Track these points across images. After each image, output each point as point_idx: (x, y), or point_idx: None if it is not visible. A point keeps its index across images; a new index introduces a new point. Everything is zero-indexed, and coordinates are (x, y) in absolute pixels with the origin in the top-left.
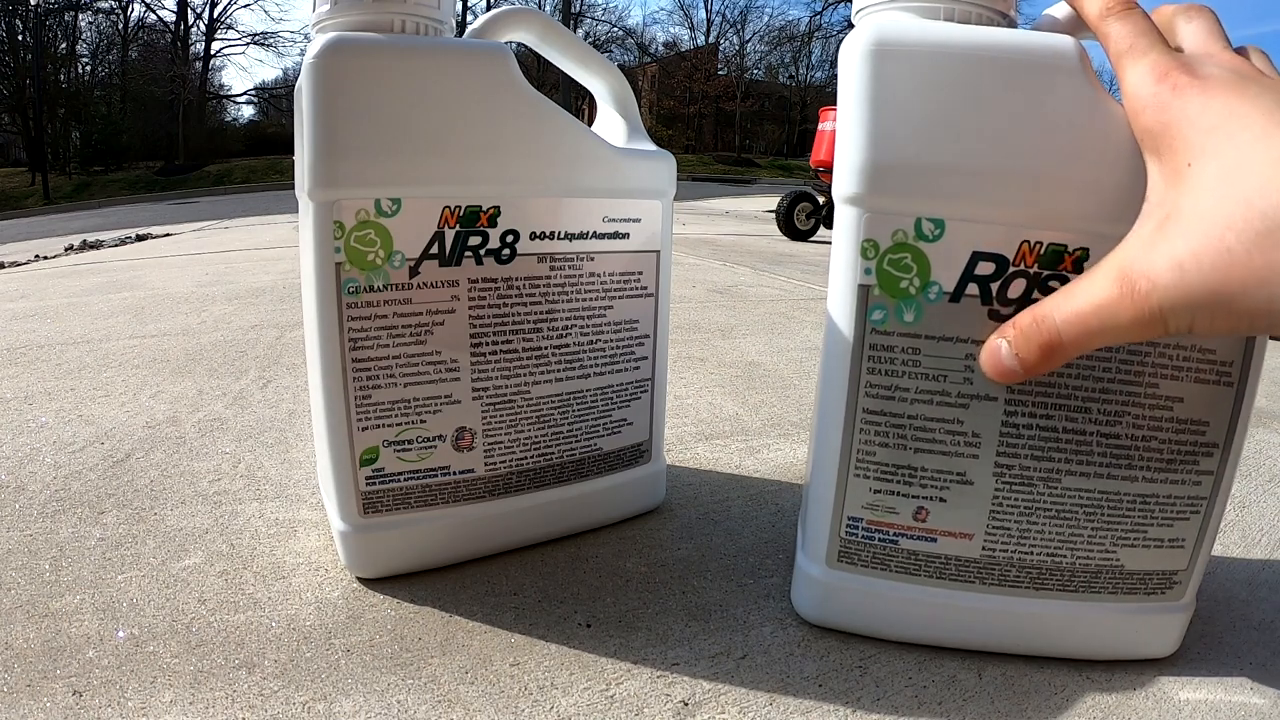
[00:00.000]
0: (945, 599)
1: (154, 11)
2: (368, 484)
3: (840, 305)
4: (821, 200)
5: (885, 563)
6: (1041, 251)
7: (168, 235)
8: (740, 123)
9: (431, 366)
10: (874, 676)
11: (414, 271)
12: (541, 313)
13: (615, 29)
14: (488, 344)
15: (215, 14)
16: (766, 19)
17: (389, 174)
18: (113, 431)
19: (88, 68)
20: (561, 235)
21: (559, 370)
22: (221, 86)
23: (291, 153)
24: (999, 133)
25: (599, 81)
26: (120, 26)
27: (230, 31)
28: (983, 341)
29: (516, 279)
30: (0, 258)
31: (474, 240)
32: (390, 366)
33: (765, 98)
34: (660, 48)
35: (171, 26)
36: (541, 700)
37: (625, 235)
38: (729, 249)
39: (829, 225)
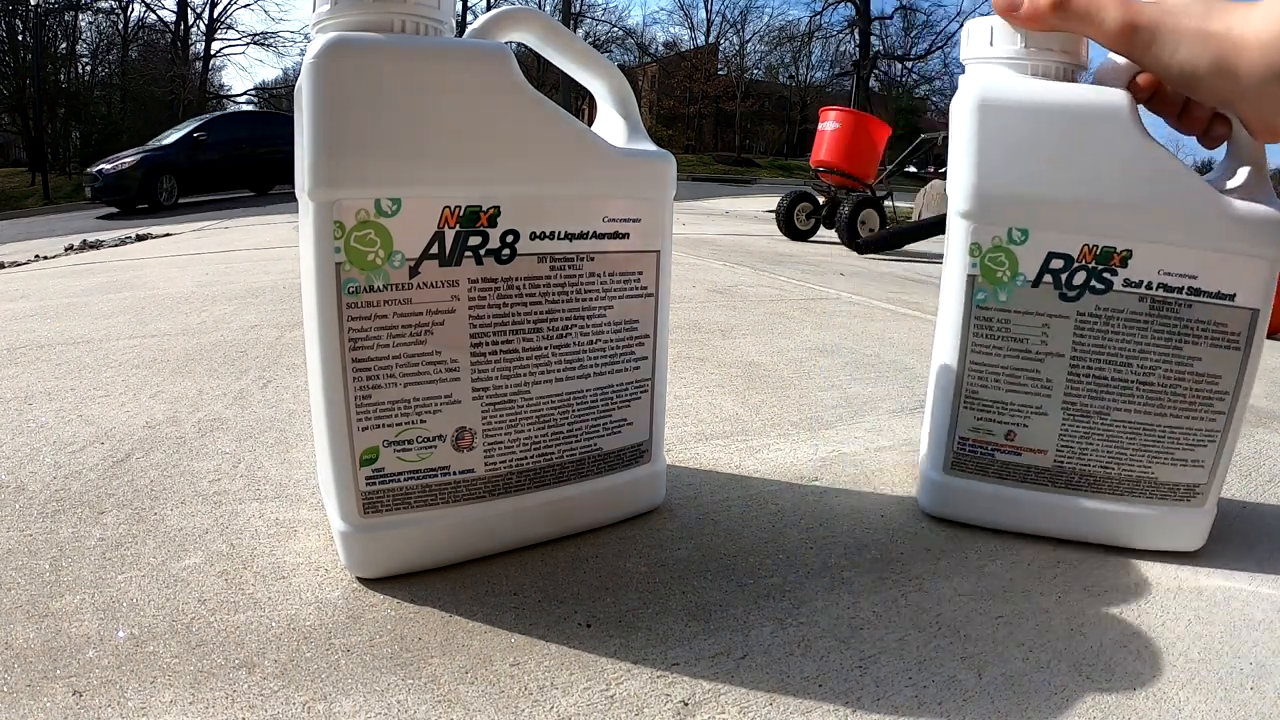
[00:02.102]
0: (1027, 497)
1: (154, 11)
2: (368, 484)
3: (953, 289)
4: (821, 200)
5: (985, 470)
6: (1098, 252)
7: (168, 235)
8: (740, 123)
9: (432, 366)
10: (874, 676)
11: (414, 271)
12: (541, 313)
13: (615, 29)
14: (488, 344)
15: (215, 14)
16: (766, 19)
17: (389, 174)
18: (113, 431)
19: (88, 68)
20: (561, 235)
21: (559, 370)
22: (221, 86)
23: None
24: (1069, 166)
25: (599, 81)
26: (120, 26)
27: (230, 31)
28: (1055, 316)
29: (516, 279)
30: (0, 258)
31: (474, 240)
32: (390, 366)
33: (765, 98)
34: (660, 48)
35: (171, 26)
36: (541, 700)
37: (625, 235)
38: (729, 249)
39: (829, 225)
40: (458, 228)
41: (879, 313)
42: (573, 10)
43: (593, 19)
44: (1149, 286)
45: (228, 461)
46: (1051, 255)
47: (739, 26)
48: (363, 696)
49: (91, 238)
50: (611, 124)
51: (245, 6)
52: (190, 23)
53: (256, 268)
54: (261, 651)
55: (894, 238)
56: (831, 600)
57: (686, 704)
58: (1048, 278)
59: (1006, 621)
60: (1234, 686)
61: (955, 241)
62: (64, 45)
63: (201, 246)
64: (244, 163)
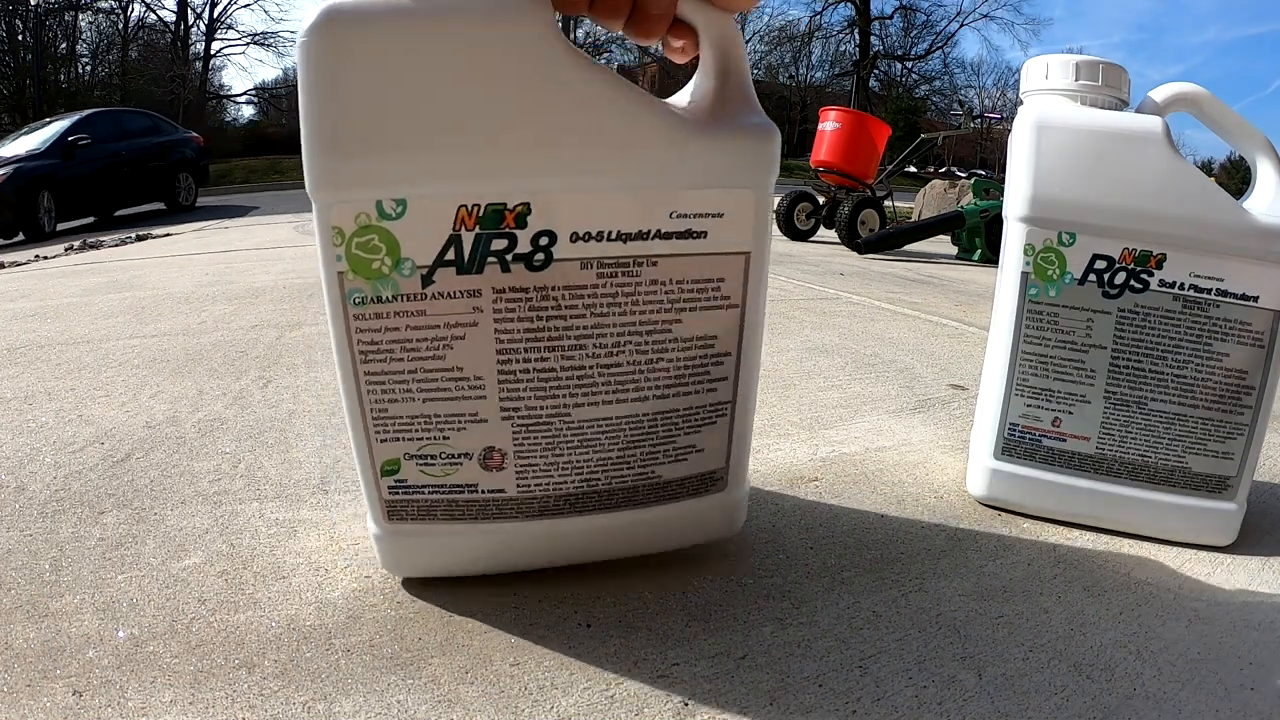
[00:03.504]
0: (1072, 482)
1: (154, 11)
2: (390, 493)
3: (1009, 285)
4: (821, 200)
5: (1033, 456)
6: (1136, 254)
7: (168, 235)
8: None
9: (453, 383)
10: (874, 676)
11: (427, 280)
12: (585, 327)
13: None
14: (518, 361)
15: (215, 14)
16: (766, 19)
17: (391, 170)
18: (113, 431)
19: (88, 68)
20: (613, 236)
21: (607, 392)
22: (221, 86)
23: (292, 152)
24: (1112, 180)
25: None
26: (120, 26)
27: (230, 31)
28: (1099, 311)
29: (553, 288)
30: (0, 258)
31: (498, 244)
32: (406, 381)
33: (765, 98)
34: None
35: (171, 26)
36: (541, 700)
37: (701, 234)
38: None
39: (829, 225)
40: (478, 230)
41: (879, 313)
42: None
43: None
44: (1181, 287)
45: (228, 461)
46: (1096, 257)
47: (739, 26)
48: (363, 696)
49: (91, 238)
50: (700, 88)
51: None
52: (190, 23)
53: (256, 268)
54: (261, 651)
55: (894, 238)
56: (831, 600)
57: (686, 704)
58: (1092, 277)
59: (1006, 621)
60: (1234, 686)
61: (1012, 243)
62: (64, 45)
63: (201, 246)
64: (140, 170)
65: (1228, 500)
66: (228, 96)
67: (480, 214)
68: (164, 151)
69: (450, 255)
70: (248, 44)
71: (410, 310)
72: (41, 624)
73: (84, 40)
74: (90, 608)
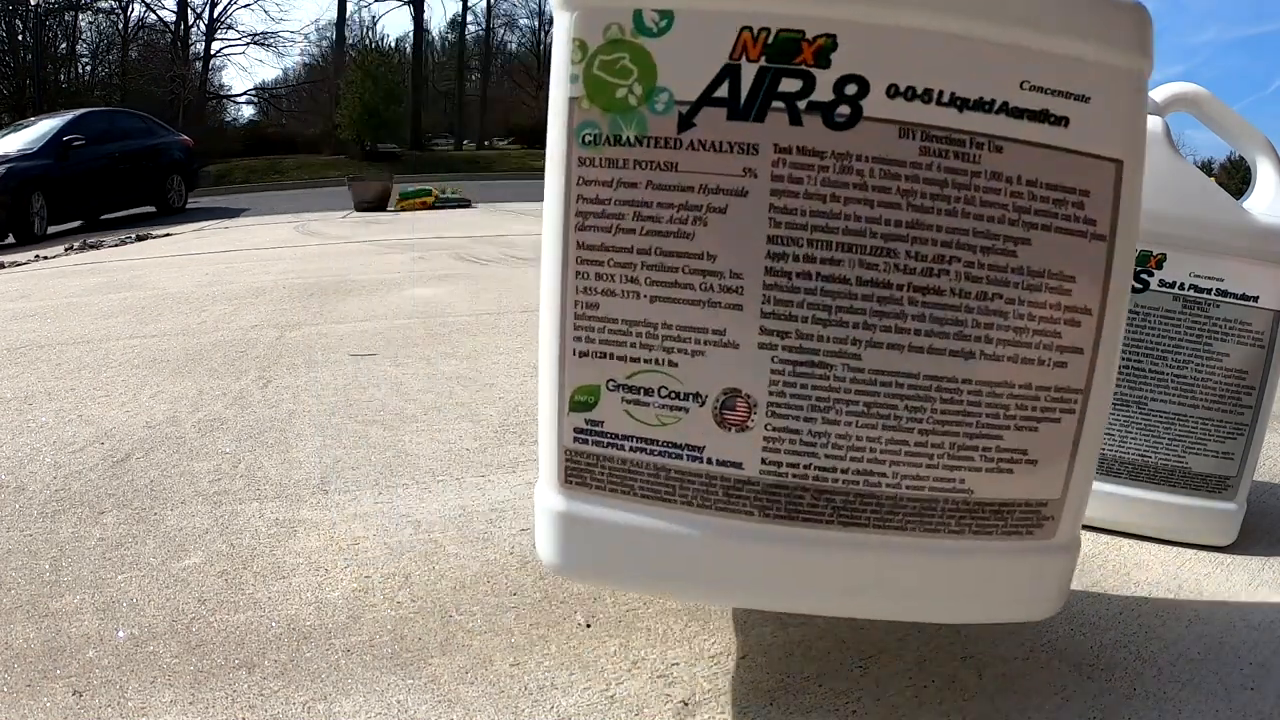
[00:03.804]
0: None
1: (154, 11)
2: (576, 438)
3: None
4: None
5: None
6: (1137, 254)
7: (168, 235)
8: None
9: (698, 277)
10: (874, 676)
11: (686, 122)
12: (899, 223)
13: None
14: (797, 258)
15: (215, 14)
16: None
17: None
18: (113, 431)
19: (88, 68)
20: (945, 99)
21: (918, 329)
22: (221, 86)
23: (291, 152)
24: None
25: None
26: (120, 26)
27: (230, 31)
28: None
29: (860, 158)
30: (0, 258)
31: (790, 84)
32: (633, 265)
33: None
34: None
35: (171, 26)
36: (541, 700)
37: (1061, 121)
38: None
39: None
40: (762, 62)
41: None
42: None
43: None
44: (1181, 287)
45: (228, 461)
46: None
47: None
48: (363, 696)
49: (91, 238)
50: None
51: (245, 6)
52: (190, 23)
53: (256, 268)
54: (261, 651)
55: None
56: None
57: (686, 704)
58: None
59: (1007, 621)
60: (1234, 686)
61: None
62: (64, 45)
63: (201, 246)
64: (132, 172)
65: (1228, 500)
66: (228, 96)
67: (769, 41)
68: (156, 153)
69: (722, 91)
70: (248, 44)
71: (657, 160)
72: (41, 624)
73: (84, 40)
74: (90, 608)
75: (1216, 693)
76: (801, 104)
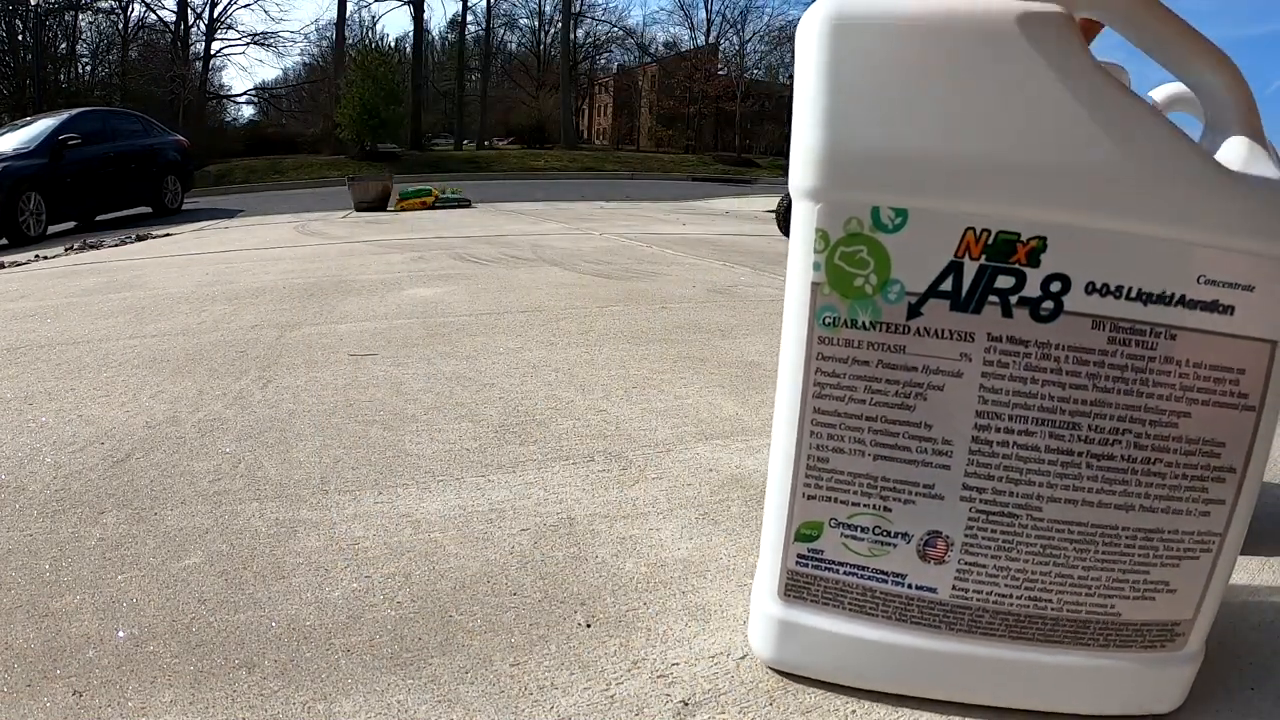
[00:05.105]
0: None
1: (154, 11)
2: (798, 562)
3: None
4: None
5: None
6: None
7: (168, 235)
8: (740, 123)
9: (915, 442)
10: None
11: (914, 311)
12: (1084, 402)
13: (615, 29)
14: (998, 429)
15: (215, 14)
16: (766, 19)
17: (896, 174)
18: (113, 431)
19: (88, 68)
20: (1134, 294)
21: (1091, 488)
22: (221, 86)
23: (291, 152)
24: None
25: (1204, 75)
26: (120, 26)
27: (230, 31)
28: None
29: (1057, 346)
30: (0, 258)
31: (1004, 281)
32: (860, 429)
33: (765, 98)
34: (660, 47)
35: (171, 26)
36: (541, 700)
37: (1228, 309)
38: (729, 249)
39: None
40: (983, 259)
41: None
42: (573, 10)
43: (593, 19)
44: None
45: (228, 461)
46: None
47: (739, 26)
48: (363, 696)
49: (92, 238)
50: (1217, 138)
51: (245, 6)
52: (190, 23)
53: (256, 268)
54: (261, 651)
55: None
56: None
57: (686, 704)
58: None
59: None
60: (1234, 686)
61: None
62: (64, 45)
63: (201, 246)
64: (128, 172)
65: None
66: (228, 96)
67: (989, 241)
68: (152, 154)
69: (947, 285)
70: (248, 44)
71: (887, 343)
72: (41, 624)
73: (84, 40)
74: (90, 608)
75: (1216, 693)
76: (1013, 299)
